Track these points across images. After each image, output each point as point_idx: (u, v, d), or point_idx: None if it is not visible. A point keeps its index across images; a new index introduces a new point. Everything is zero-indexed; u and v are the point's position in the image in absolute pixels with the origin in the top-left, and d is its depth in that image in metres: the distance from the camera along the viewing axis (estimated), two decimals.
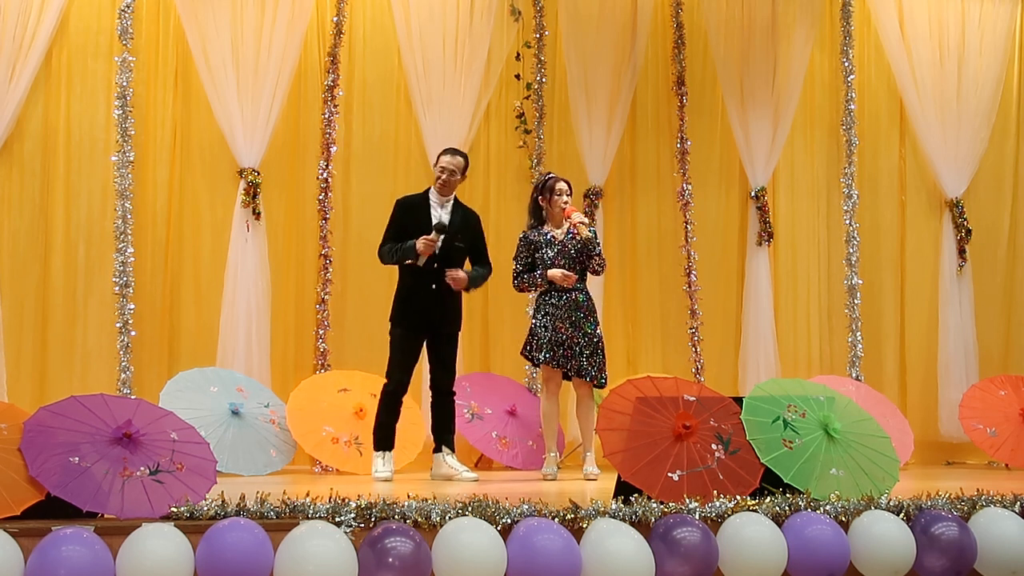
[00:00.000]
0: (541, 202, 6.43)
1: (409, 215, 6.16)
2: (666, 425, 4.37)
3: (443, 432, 6.19)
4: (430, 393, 6.27)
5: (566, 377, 6.38)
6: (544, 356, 6.24)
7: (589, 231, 6.26)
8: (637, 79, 7.98)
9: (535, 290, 6.43)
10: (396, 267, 6.19)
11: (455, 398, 6.23)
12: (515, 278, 6.43)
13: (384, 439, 6.12)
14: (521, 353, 6.45)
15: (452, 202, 6.22)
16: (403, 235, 6.10)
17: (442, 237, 6.02)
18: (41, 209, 6.98)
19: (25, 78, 6.85)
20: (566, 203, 6.36)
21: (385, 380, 6.15)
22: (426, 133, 7.50)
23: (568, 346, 6.23)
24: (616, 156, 7.89)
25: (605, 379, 6.30)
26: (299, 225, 7.42)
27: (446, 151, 6.27)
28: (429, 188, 6.25)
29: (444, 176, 6.13)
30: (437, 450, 6.19)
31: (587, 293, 6.38)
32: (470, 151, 7.61)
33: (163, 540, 3.37)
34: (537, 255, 6.36)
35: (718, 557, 3.84)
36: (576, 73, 7.82)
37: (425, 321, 6.10)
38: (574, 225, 6.27)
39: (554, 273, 6.26)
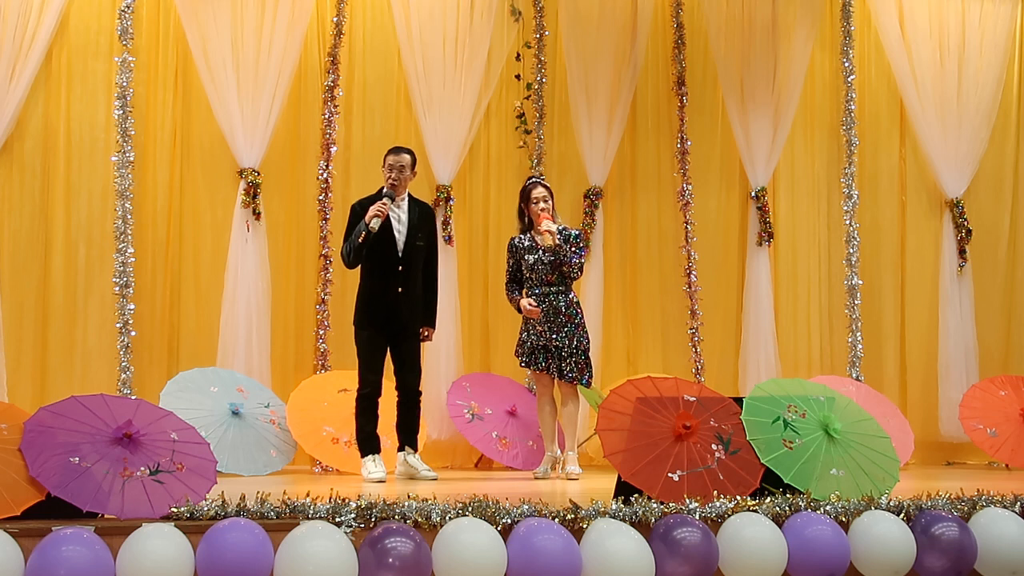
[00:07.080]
0: (524, 207, 6.50)
1: (365, 215, 6.09)
2: (666, 425, 4.37)
3: (407, 432, 6.17)
4: (396, 395, 6.17)
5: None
6: (525, 360, 6.44)
7: (558, 240, 6.28)
8: (637, 79, 7.97)
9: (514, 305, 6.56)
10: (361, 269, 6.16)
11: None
12: (506, 286, 6.58)
13: (368, 444, 6.05)
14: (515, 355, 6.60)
15: (407, 200, 6.21)
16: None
17: (391, 202, 6.01)
18: (41, 209, 6.98)
19: (25, 78, 6.84)
20: (542, 209, 6.39)
21: (358, 385, 6.08)
22: (426, 133, 7.49)
23: (547, 349, 6.35)
24: (616, 156, 7.88)
25: (587, 380, 6.36)
26: (299, 225, 7.41)
27: (391, 151, 6.22)
28: (382, 188, 6.17)
29: (392, 175, 6.11)
30: (400, 449, 6.19)
31: (568, 298, 6.40)
32: (470, 151, 7.64)
33: (163, 540, 3.37)
34: (522, 261, 6.45)
35: (718, 557, 3.84)
36: (576, 73, 7.80)
37: (390, 320, 6.06)
38: (541, 234, 6.32)
39: (523, 303, 6.38)
